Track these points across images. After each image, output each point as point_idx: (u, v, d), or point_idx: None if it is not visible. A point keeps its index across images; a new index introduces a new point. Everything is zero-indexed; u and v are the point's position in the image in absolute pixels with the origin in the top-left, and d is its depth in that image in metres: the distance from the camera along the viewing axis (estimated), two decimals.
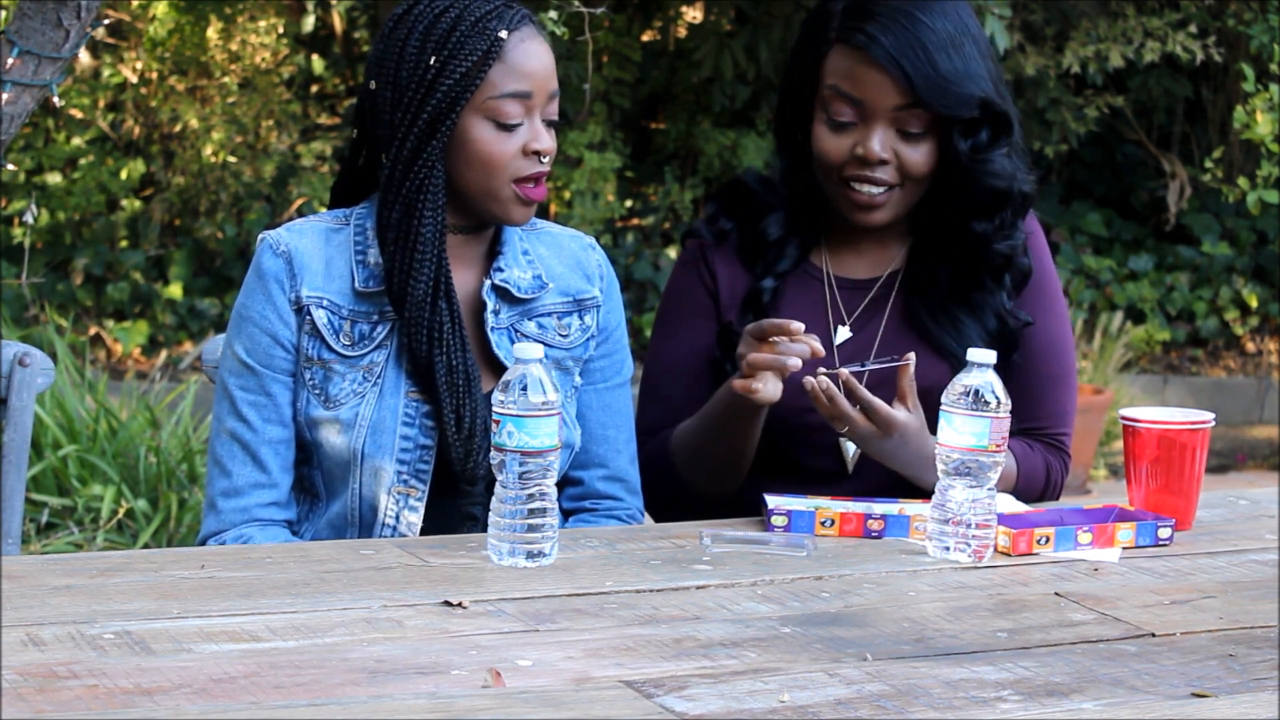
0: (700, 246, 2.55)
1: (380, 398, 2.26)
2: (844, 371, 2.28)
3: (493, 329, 2.31)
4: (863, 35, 2.36)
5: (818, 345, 2.25)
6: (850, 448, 2.43)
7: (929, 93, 2.35)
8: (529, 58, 2.25)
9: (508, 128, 2.24)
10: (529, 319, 2.34)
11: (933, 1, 2.38)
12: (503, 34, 2.23)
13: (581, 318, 2.38)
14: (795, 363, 2.24)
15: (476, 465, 2.26)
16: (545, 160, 2.26)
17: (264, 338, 2.27)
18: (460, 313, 2.27)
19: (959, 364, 2.30)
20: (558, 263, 2.38)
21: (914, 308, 2.48)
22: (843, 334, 2.49)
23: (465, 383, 2.26)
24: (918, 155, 2.40)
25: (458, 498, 2.30)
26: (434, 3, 2.25)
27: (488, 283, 2.32)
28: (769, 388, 2.26)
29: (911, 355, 2.30)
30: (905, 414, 2.29)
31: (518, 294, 2.33)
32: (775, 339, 2.25)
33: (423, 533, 2.27)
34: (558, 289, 2.37)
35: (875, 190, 2.40)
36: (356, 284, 2.27)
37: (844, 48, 2.39)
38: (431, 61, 2.22)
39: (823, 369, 2.30)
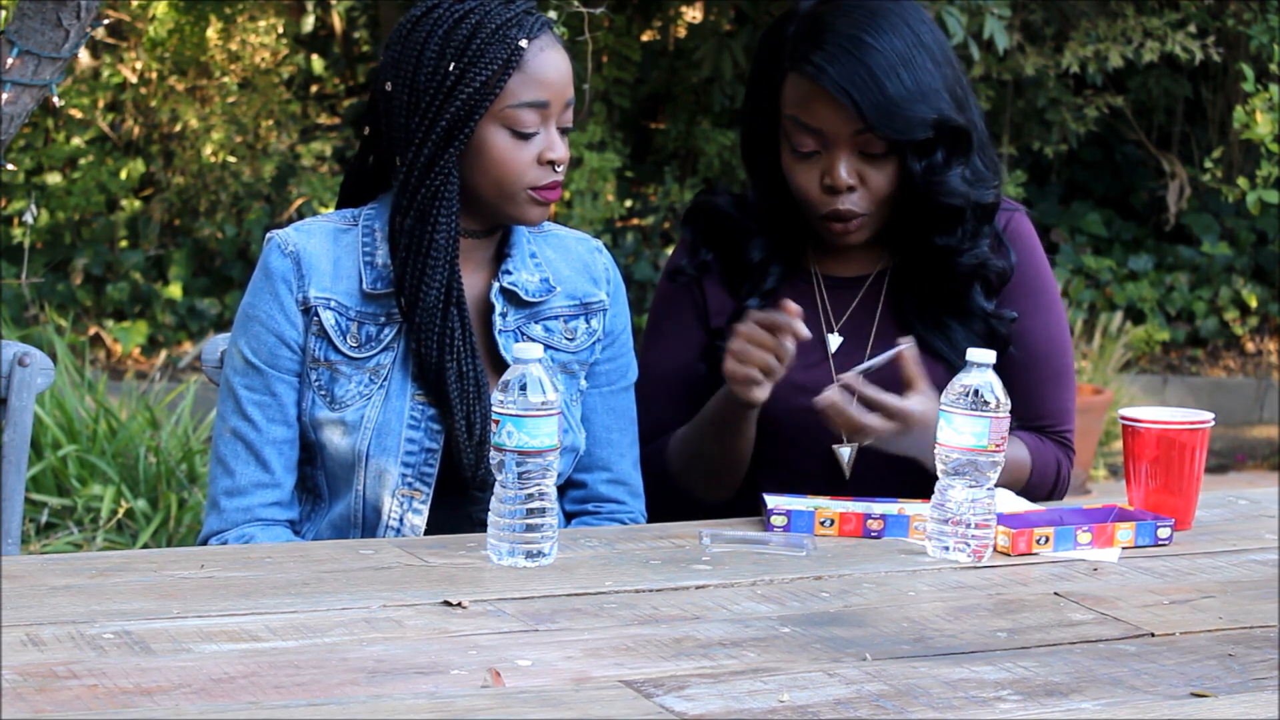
0: (688, 276, 2.55)
1: (386, 400, 2.26)
2: (846, 377, 2.28)
3: (500, 331, 2.31)
4: (811, 65, 2.35)
5: (800, 327, 2.25)
6: (845, 454, 2.43)
7: (878, 119, 2.34)
8: (548, 67, 2.24)
9: (524, 136, 2.24)
10: (535, 322, 2.34)
11: (881, 18, 2.37)
12: (523, 43, 2.22)
13: (588, 321, 2.38)
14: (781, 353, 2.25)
15: (487, 472, 2.26)
16: (560, 169, 2.25)
17: (270, 338, 2.26)
18: (470, 320, 2.27)
19: (953, 367, 2.30)
20: (565, 266, 2.38)
21: (904, 311, 2.48)
22: (834, 341, 2.48)
23: (476, 389, 2.25)
24: (882, 177, 2.40)
25: (466, 503, 2.30)
26: (453, 7, 2.24)
27: (495, 285, 2.31)
28: (750, 388, 2.27)
29: (909, 339, 2.30)
30: (919, 402, 2.28)
31: (525, 297, 2.33)
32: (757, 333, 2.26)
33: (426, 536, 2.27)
34: (565, 292, 2.36)
35: (851, 223, 2.41)
36: (364, 285, 2.27)
37: (796, 76, 2.39)
38: (451, 68, 2.21)
39: (829, 386, 2.29)
